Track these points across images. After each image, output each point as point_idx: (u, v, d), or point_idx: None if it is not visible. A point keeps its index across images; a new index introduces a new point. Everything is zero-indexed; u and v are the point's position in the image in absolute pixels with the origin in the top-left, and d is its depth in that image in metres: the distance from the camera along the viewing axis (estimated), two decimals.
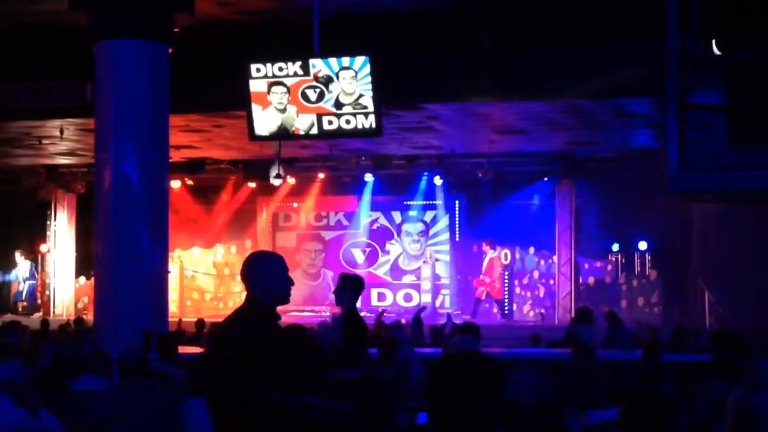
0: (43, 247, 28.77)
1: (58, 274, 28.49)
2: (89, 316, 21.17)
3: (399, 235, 28.34)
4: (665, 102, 11.44)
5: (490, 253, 26.02)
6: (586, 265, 26.02)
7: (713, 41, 10.73)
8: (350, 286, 9.49)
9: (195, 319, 19.43)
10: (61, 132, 20.34)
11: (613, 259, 25.80)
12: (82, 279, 28.48)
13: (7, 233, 28.51)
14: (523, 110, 18.33)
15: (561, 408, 5.48)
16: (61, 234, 28.59)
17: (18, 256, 27.94)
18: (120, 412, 6.70)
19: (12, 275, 28.00)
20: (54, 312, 27.47)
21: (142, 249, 13.75)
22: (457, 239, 27.81)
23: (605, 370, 10.11)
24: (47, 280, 28.61)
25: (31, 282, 27.98)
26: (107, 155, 13.80)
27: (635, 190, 23.56)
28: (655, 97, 15.95)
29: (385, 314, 21.47)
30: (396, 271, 28.26)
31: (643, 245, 25.27)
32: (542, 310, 26.05)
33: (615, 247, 25.69)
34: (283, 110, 14.17)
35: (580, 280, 25.90)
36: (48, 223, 28.63)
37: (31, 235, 28.91)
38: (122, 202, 13.74)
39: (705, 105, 11.07)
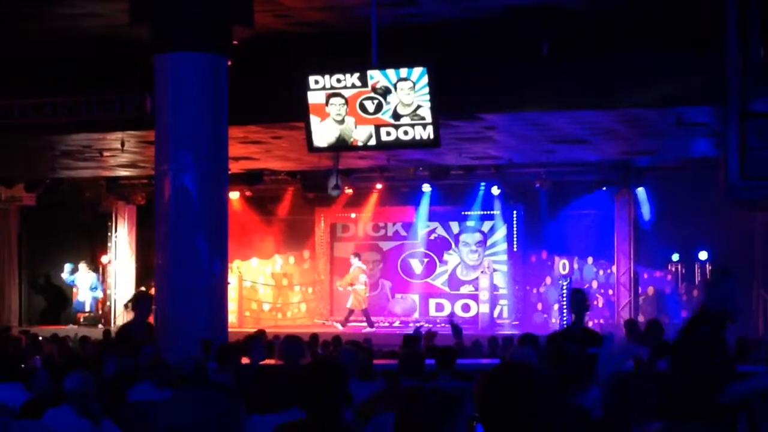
0: (104, 259, 29.06)
1: (119, 285, 28.75)
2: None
3: (457, 245, 28.30)
4: (726, 110, 11.34)
5: (355, 263, 26.29)
6: (646, 275, 25.80)
7: None
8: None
9: (254, 330, 19.49)
10: (122, 144, 20.54)
11: (673, 269, 25.55)
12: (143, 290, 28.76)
13: (69, 244, 28.83)
14: (581, 119, 18.22)
15: (625, 420, 5.45)
16: (122, 245, 28.86)
17: (83, 268, 28.17)
18: (179, 421, 6.74)
19: (72, 278, 28.17)
20: (114, 322, 27.70)
21: (202, 260, 13.82)
22: (515, 249, 27.71)
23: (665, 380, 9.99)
24: (108, 291, 28.89)
25: (95, 295, 28.20)
26: (167, 167, 13.89)
27: (695, 199, 23.32)
28: (716, 105, 15.80)
29: (422, 327, 21.47)
30: (454, 281, 28.21)
31: (703, 255, 25.00)
32: (601, 321, 25.84)
33: (675, 256, 25.44)
34: (342, 121, 14.21)
35: (640, 291, 25.68)
36: (109, 234, 28.92)
37: (92, 246, 29.23)
38: (182, 214, 13.82)
39: (766, 113, 10.95)
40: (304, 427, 4.95)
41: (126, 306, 24.97)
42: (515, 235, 27.71)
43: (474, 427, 6.76)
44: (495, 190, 26.08)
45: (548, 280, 26.95)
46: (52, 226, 28.45)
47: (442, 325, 26.18)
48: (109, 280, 28.94)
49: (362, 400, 7.57)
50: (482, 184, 26.53)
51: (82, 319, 27.49)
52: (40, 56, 17.76)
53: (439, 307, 28.02)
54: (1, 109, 18.84)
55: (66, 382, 7.22)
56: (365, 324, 26.45)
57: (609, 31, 15.67)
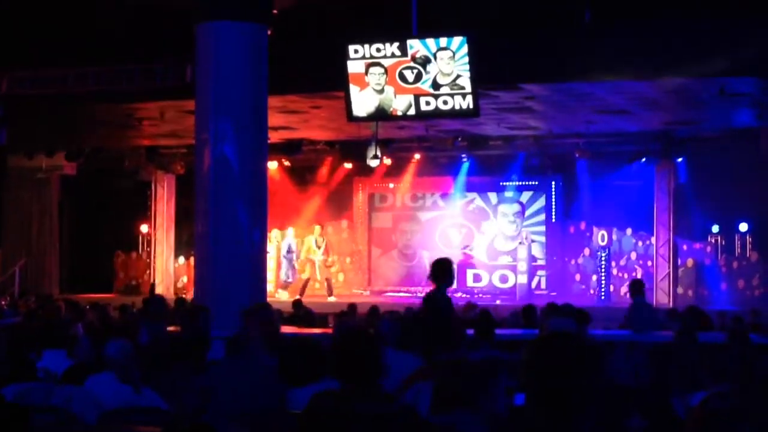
0: (143, 228, 29.23)
1: (158, 254, 28.92)
2: (189, 296, 21.51)
3: (495, 215, 28.25)
4: None
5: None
6: (685, 247, 25.65)
7: None
8: None
9: (292, 300, 19.60)
10: (162, 114, 20.62)
11: (713, 240, 25.40)
12: (181, 259, 28.92)
13: (109, 213, 29.02)
14: (622, 89, 18.10)
15: (664, 389, 5.44)
16: (161, 214, 29.02)
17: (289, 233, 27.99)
18: (224, 385, 6.80)
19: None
20: (153, 292, 27.86)
21: (242, 229, 13.87)
22: (554, 220, 27.63)
23: (707, 351, 9.98)
24: (147, 260, 29.08)
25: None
26: (207, 136, 13.94)
27: (736, 170, 23.16)
28: (760, 76, 15.67)
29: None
30: (492, 252, 28.18)
31: (743, 227, 24.83)
32: None
33: (715, 228, 25.28)
34: (381, 91, 14.20)
35: (679, 262, 25.55)
36: (148, 203, 29.09)
37: (131, 215, 29.40)
38: (222, 183, 13.88)
39: None
40: (339, 397, 4.95)
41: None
42: (554, 206, 27.62)
43: (512, 397, 6.77)
44: (534, 161, 25.97)
45: (587, 251, 26.85)
46: (92, 195, 28.66)
47: (480, 295, 26.21)
48: (148, 249, 29.16)
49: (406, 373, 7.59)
50: (521, 154, 26.39)
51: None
52: (81, 26, 17.83)
53: (477, 278, 28.00)
54: (43, 79, 18.98)
55: (107, 349, 7.29)
56: (404, 294, 26.61)
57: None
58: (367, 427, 4.60)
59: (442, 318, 9.99)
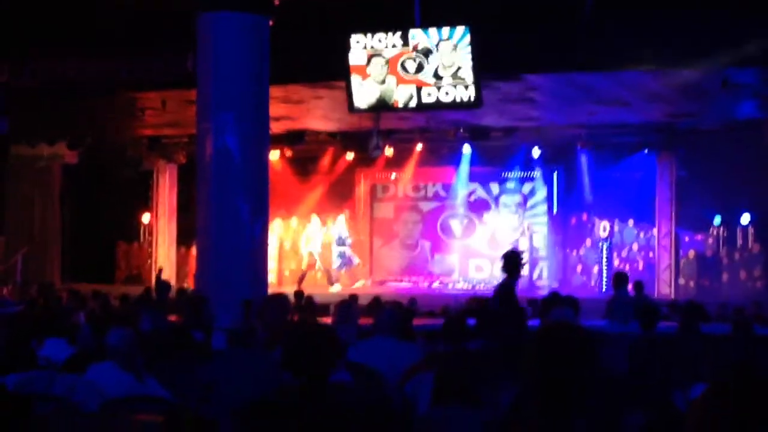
0: (145, 217, 29.23)
1: (160, 244, 28.93)
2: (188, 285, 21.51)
3: (497, 206, 28.25)
4: None
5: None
6: (687, 238, 25.64)
7: None
8: None
9: (294, 290, 19.59)
10: (163, 103, 20.62)
11: (715, 232, 25.38)
12: (183, 249, 28.92)
13: (110, 203, 29.01)
14: (625, 81, 18.09)
15: (664, 381, 5.44)
16: (163, 204, 29.02)
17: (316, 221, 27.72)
18: (226, 378, 6.80)
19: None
20: (153, 281, 27.87)
21: (243, 219, 13.87)
22: (555, 211, 27.63)
23: (709, 343, 10.00)
24: (149, 250, 29.09)
25: (342, 249, 27.22)
26: (208, 126, 13.93)
27: (738, 162, 23.14)
28: (763, 67, 15.66)
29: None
30: (493, 242, 28.18)
31: (745, 218, 24.82)
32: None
33: (717, 219, 25.27)
34: (383, 82, 14.21)
35: (681, 254, 25.55)
36: (150, 193, 29.09)
37: (133, 205, 29.39)
38: (223, 173, 13.88)
39: None
40: (293, 392, 4.83)
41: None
42: (555, 197, 27.61)
43: (514, 387, 6.78)
44: (535, 152, 25.95)
45: (588, 242, 26.86)
46: (94, 184, 28.65)
47: (481, 286, 26.21)
48: (149, 239, 29.17)
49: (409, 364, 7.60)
50: (522, 145, 26.36)
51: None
52: (82, 15, 17.82)
53: (479, 269, 28.03)
54: (44, 69, 18.98)
55: (108, 338, 7.29)
56: (405, 284, 26.63)
57: None
58: (320, 420, 4.56)
59: (513, 308, 10.18)
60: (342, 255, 26.63)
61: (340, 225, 27.05)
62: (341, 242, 26.75)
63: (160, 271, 26.67)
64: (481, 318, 9.25)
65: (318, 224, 27.26)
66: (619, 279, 15.12)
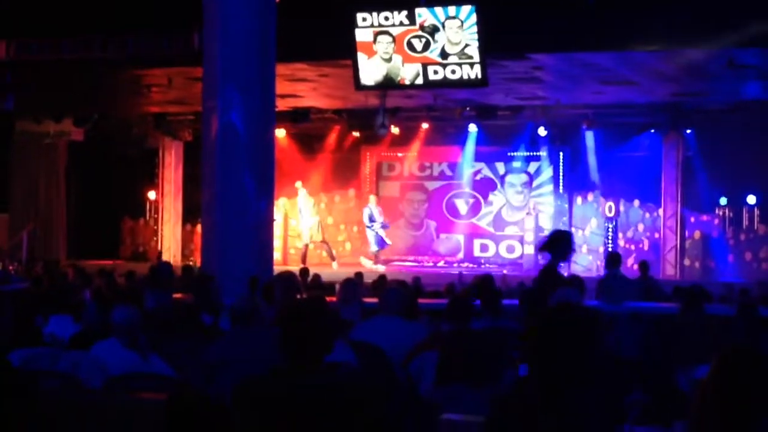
0: (150, 195, 29.25)
1: (166, 221, 28.96)
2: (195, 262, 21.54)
3: (502, 186, 28.23)
4: None
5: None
6: (693, 219, 25.63)
7: None
8: None
9: (299, 268, 19.61)
10: (169, 81, 20.60)
11: (721, 213, 25.37)
12: (189, 226, 28.94)
13: (116, 180, 29.03)
14: (631, 60, 18.05)
15: (668, 362, 5.44)
16: (168, 181, 29.04)
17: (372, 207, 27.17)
18: (231, 357, 6.81)
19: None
20: (160, 259, 27.93)
21: (248, 197, 13.87)
22: (561, 191, 27.61)
23: (713, 324, 10.00)
24: (155, 227, 29.13)
25: (377, 230, 26.83)
26: (214, 103, 13.92)
27: (744, 143, 23.12)
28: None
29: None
30: (499, 222, 28.18)
31: (751, 199, 24.80)
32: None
33: (722, 200, 25.25)
34: (389, 60, 14.18)
35: (686, 234, 25.53)
36: (156, 170, 29.11)
37: (139, 182, 29.42)
38: (229, 151, 13.86)
39: None
40: (281, 372, 4.75)
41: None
42: (561, 177, 27.59)
43: (517, 367, 6.79)
44: (542, 131, 25.90)
45: (594, 222, 26.84)
46: (99, 161, 28.66)
47: (486, 265, 26.24)
48: (155, 216, 29.21)
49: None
50: (529, 124, 26.29)
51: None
52: None
53: (484, 248, 28.03)
54: (50, 46, 18.96)
55: (113, 315, 7.31)
56: (411, 263, 26.65)
57: None
58: (310, 401, 4.52)
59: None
60: (376, 236, 26.56)
61: (371, 206, 26.93)
62: (372, 222, 26.63)
63: (160, 253, 26.72)
64: (524, 301, 9.13)
65: (304, 196, 27.14)
66: (611, 258, 15.04)
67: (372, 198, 27.08)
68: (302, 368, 4.58)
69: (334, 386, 4.51)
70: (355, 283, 10.23)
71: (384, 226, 26.42)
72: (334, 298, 10.12)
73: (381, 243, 26.43)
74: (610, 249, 25.35)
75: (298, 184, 27.16)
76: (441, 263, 27.54)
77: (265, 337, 6.93)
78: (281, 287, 9.15)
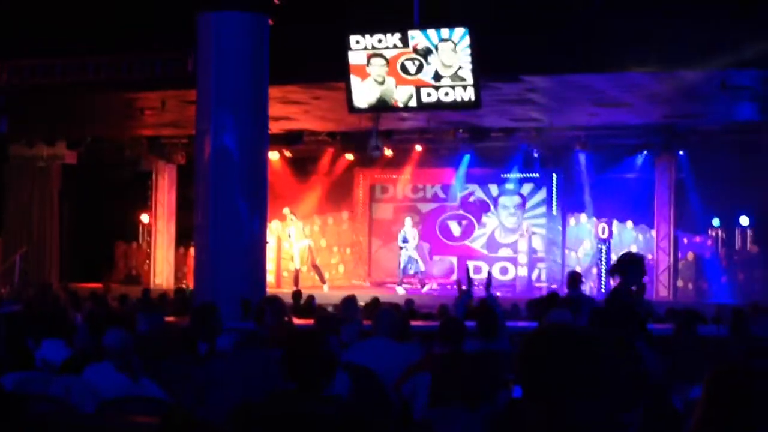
0: (143, 218, 29.21)
1: (159, 245, 28.91)
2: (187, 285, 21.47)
3: (495, 208, 28.23)
4: None
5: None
6: (685, 240, 25.64)
7: None
8: None
9: (291, 291, 19.57)
10: (163, 104, 20.60)
11: (714, 233, 25.39)
12: (182, 249, 28.89)
13: (109, 203, 29.00)
14: (624, 82, 18.08)
15: (663, 383, 5.43)
16: (161, 204, 28.99)
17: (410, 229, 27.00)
18: (224, 379, 6.78)
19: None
20: (154, 282, 27.90)
21: (241, 219, 13.87)
22: (554, 213, 27.62)
23: (706, 345, 9.99)
24: (148, 250, 29.07)
25: (411, 254, 26.58)
26: (207, 126, 13.93)
27: (737, 164, 23.14)
28: (761, 69, 15.63)
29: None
30: (492, 244, 28.17)
31: (744, 220, 24.83)
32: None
33: (715, 221, 25.28)
34: (382, 82, 14.19)
35: (679, 255, 25.54)
36: (149, 193, 29.07)
37: (132, 205, 29.37)
38: (222, 173, 13.87)
39: None
40: (283, 398, 4.75)
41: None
42: (554, 199, 27.60)
43: (510, 389, 6.77)
44: (535, 153, 25.93)
45: (587, 243, 26.85)
46: (93, 184, 28.63)
47: (480, 287, 26.17)
48: (147, 239, 29.15)
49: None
50: (522, 146, 26.30)
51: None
52: (82, 14, 17.80)
53: (477, 270, 27.99)
54: (43, 69, 18.96)
55: (105, 338, 7.28)
56: (403, 285, 26.62)
57: None
58: (309, 430, 4.50)
59: (627, 314, 9.72)
60: (409, 258, 26.43)
61: (407, 228, 26.69)
62: (405, 243, 26.36)
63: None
64: (594, 323, 9.02)
65: (293, 221, 27.07)
66: (571, 279, 14.89)
67: (407, 221, 26.94)
68: (304, 396, 4.57)
69: (334, 417, 4.50)
70: (355, 302, 10.24)
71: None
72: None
73: (405, 268, 26.30)
74: (603, 270, 25.36)
75: (286, 210, 27.05)
76: (434, 285, 27.39)
77: (255, 359, 6.91)
78: (268, 311, 9.16)
